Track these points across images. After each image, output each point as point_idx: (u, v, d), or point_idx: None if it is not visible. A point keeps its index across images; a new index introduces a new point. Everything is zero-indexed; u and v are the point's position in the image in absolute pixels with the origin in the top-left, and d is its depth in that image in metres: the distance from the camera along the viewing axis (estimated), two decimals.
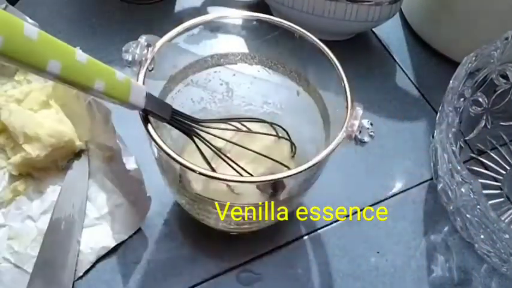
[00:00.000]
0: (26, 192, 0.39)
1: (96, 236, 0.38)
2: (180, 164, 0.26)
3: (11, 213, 0.38)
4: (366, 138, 0.29)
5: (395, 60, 0.54)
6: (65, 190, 0.39)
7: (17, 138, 0.39)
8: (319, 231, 0.41)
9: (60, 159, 0.40)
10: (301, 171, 0.27)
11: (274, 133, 0.38)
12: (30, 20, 0.43)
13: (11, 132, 0.39)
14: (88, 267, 0.36)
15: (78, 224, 0.37)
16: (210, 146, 0.32)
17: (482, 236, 0.36)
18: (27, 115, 0.40)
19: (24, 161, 0.38)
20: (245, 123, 0.37)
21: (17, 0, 0.54)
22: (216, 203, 0.31)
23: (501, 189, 0.45)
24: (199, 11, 0.54)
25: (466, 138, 0.46)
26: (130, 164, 0.36)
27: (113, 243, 0.37)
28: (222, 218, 0.34)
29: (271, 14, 0.45)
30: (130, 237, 0.38)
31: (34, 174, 0.40)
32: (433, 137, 0.41)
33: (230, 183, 0.31)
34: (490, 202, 0.43)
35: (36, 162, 0.39)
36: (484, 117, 0.46)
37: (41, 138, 0.38)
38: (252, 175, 0.34)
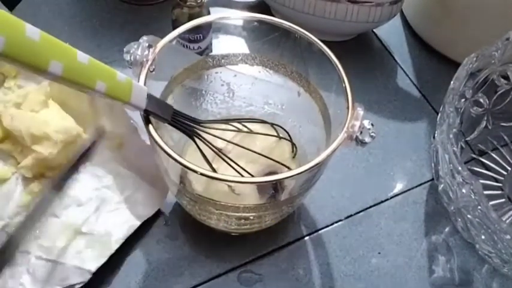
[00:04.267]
0: (43, 192, 0.39)
1: (121, 218, 0.38)
2: (181, 164, 0.26)
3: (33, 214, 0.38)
4: (367, 139, 0.29)
5: (396, 61, 0.54)
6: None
7: (24, 141, 0.39)
8: (320, 231, 0.41)
9: (72, 155, 0.41)
10: (302, 172, 0.27)
11: (275, 134, 0.38)
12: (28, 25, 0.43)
13: (17, 137, 0.39)
14: (117, 246, 0.37)
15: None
16: (210, 146, 0.32)
17: (483, 237, 0.36)
18: (30, 117, 0.40)
19: (36, 162, 0.38)
20: (246, 124, 0.37)
21: (18, 1, 0.54)
22: (217, 204, 0.31)
23: (502, 189, 0.44)
24: None
25: (467, 139, 0.46)
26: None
27: (137, 223, 0.38)
28: (223, 218, 0.34)
29: (272, 15, 0.45)
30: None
31: (47, 173, 0.40)
32: (434, 137, 0.41)
33: (231, 184, 0.31)
34: (491, 203, 0.43)
35: (50, 161, 0.39)
36: (485, 118, 0.46)
37: (50, 136, 0.38)
38: (253, 176, 0.34)
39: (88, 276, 0.35)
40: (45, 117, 0.40)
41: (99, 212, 0.38)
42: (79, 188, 0.39)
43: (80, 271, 0.35)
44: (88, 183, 0.39)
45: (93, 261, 0.35)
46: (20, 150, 0.40)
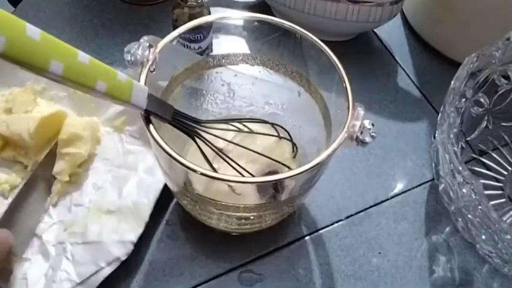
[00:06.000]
0: (67, 191, 0.40)
1: (144, 187, 0.39)
2: (182, 164, 0.26)
3: (59, 210, 0.39)
4: (368, 139, 0.29)
5: (396, 61, 0.54)
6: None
7: (26, 143, 0.38)
8: (320, 231, 0.41)
9: (91, 148, 0.41)
10: (302, 172, 0.27)
11: (276, 134, 0.38)
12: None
13: (18, 141, 0.39)
14: (149, 213, 0.37)
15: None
16: (211, 146, 0.32)
17: (483, 237, 0.36)
18: (25, 118, 0.39)
19: (70, 164, 0.39)
20: (246, 124, 0.37)
21: (19, 1, 0.54)
22: (218, 204, 0.31)
23: (503, 189, 0.44)
24: None
25: (468, 139, 0.46)
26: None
27: (161, 185, 0.39)
28: (223, 218, 0.34)
29: (273, 15, 0.45)
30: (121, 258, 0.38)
31: (76, 171, 0.40)
32: (434, 137, 0.41)
33: (232, 184, 0.31)
34: (492, 203, 0.43)
35: (79, 159, 0.39)
36: (486, 118, 0.46)
37: (80, 135, 0.39)
38: (253, 176, 0.34)
39: (131, 247, 0.35)
40: (49, 117, 0.40)
41: (120, 189, 0.39)
42: (94, 174, 0.40)
43: (122, 244, 0.35)
44: (100, 168, 0.40)
45: (132, 233, 0.36)
46: (24, 153, 0.40)
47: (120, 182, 0.39)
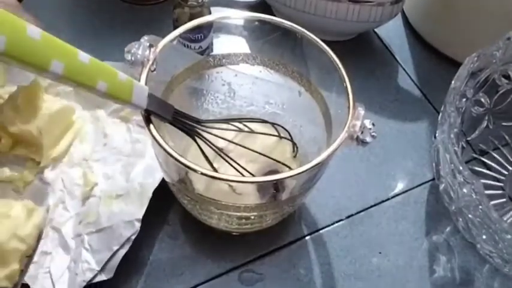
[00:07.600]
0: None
1: (151, 171, 0.39)
2: (182, 164, 0.26)
3: (74, 203, 0.39)
4: (368, 139, 0.29)
5: (397, 61, 0.54)
6: None
7: (36, 139, 0.39)
8: (321, 231, 0.41)
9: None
10: (303, 172, 0.27)
11: (276, 133, 0.38)
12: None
13: (29, 138, 0.39)
14: (152, 190, 0.37)
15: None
16: (211, 146, 0.32)
17: (484, 237, 0.36)
18: (37, 115, 0.39)
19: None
20: (247, 124, 0.37)
21: (20, 1, 0.54)
22: (218, 203, 0.31)
23: (503, 189, 0.44)
24: None
25: (468, 139, 0.46)
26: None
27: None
28: (224, 218, 0.34)
29: (273, 15, 0.45)
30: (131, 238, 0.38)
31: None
32: (435, 137, 0.41)
33: (232, 184, 0.31)
34: (492, 202, 0.43)
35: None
36: (486, 118, 0.46)
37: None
38: (253, 175, 0.34)
39: (138, 225, 0.36)
40: (46, 110, 0.40)
41: (128, 174, 0.39)
42: (103, 165, 0.40)
43: (130, 223, 0.36)
44: (109, 158, 0.40)
45: (138, 211, 0.36)
46: (35, 150, 0.40)
47: (128, 168, 0.39)
